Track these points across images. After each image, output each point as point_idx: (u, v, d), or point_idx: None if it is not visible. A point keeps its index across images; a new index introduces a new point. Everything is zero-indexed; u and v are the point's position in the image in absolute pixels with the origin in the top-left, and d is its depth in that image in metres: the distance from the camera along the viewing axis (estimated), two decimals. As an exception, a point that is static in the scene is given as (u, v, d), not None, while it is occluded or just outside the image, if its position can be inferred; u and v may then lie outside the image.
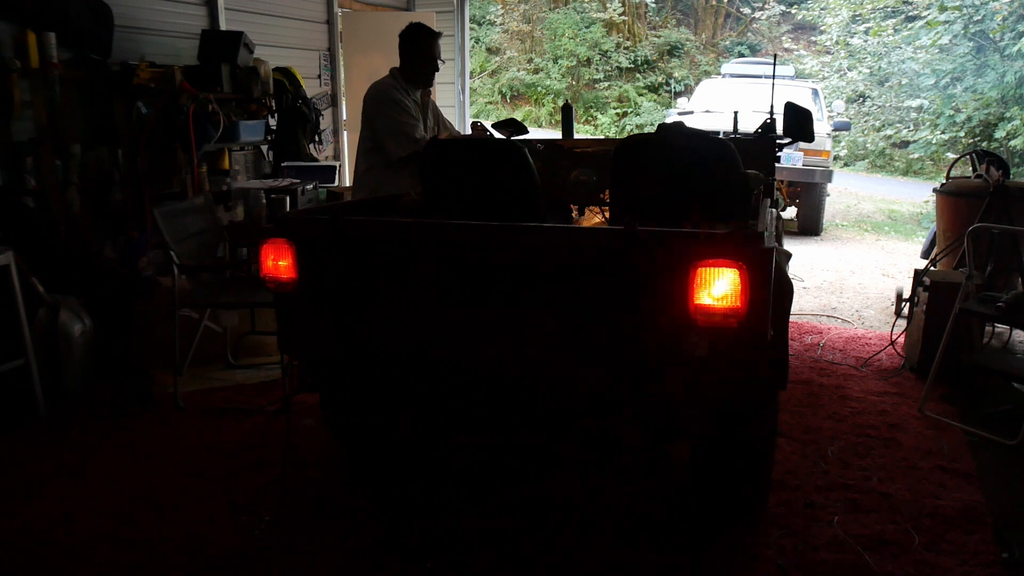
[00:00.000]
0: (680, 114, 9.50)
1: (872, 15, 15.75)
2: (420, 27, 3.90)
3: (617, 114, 19.74)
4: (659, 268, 2.18)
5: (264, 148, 6.03)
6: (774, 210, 3.45)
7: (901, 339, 4.77)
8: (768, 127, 3.87)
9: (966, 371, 4.08)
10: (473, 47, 19.82)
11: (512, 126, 3.80)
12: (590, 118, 19.89)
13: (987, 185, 4.88)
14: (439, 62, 3.92)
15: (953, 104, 12.11)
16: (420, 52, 3.84)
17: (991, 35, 11.61)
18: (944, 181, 5.58)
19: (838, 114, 11.63)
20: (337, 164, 7.06)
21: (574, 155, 3.97)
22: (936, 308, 4.23)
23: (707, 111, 9.43)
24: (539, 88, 20.33)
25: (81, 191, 4.50)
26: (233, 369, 4.37)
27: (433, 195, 3.11)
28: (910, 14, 14.53)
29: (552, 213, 3.77)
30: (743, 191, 2.81)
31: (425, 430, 3.24)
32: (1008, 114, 11.26)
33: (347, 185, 7.06)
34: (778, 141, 3.90)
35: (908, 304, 4.83)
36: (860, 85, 16.47)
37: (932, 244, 5.88)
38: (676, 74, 20.21)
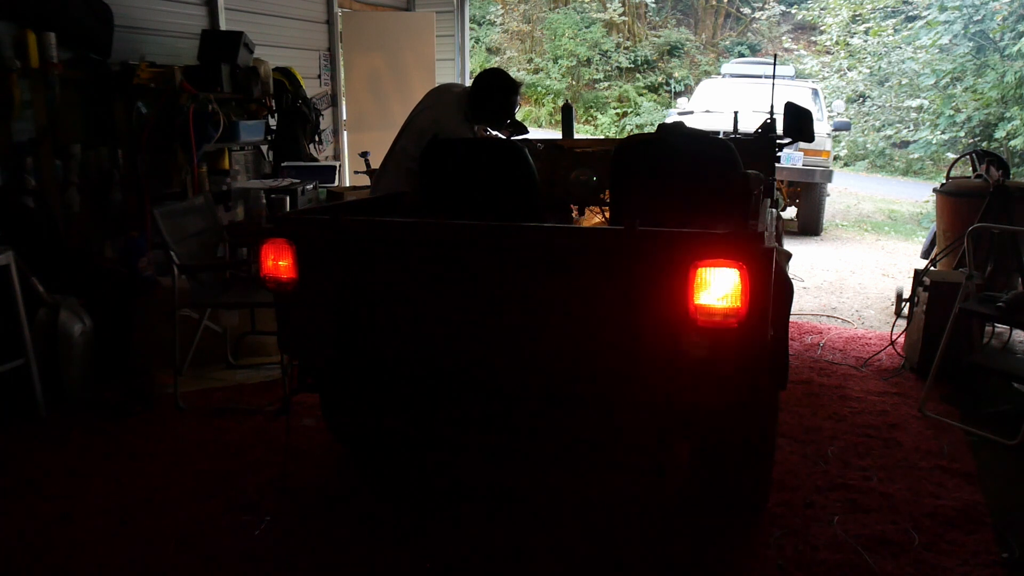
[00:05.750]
0: (680, 114, 9.50)
1: (872, 15, 15.77)
2: (503, 80, 3.59)
3: (617, 114, 19.75)
4: (659, 268, 2.18)
5: (264, 148, 6.03)
6: (774, 210, 3.45)
7: (901, 339, 4.77)
8: (768, 127, 3.87)
9: (966, 371, 4.07)
10: (473, 47, 19.82)
11: (512, 126, 3.80)
12: (590, 118, 19.90)
13: (987, 185, 4.89)
14: (516, 111, 3.70)
15: (953, 104, 12.11)
16: (499, 103, 3.60)
17: (991, 35, 11.61)
18: (944, 181, 5.59)
19: (838, 114, 11.63)
20: (337, 164, 7.06)
21: (574, 155, 3.97)
22: (936, 308, 4.23)
23: (707, 111, 9.43)
24: (539, 88, 20.33)
25: (81, 191, 4.50)
26: (233, 369, 4.37)
27: (433, 195, 3.11)
28: (910, 14, 14.55)
29: (552, 213, 3.76)
30: (743, 191, 2.81)
31: (425, 429, 3.24)
32: (1008, 114, 11.26)
33: (347, 185, 7.08)
34: (778, 141, 3.90)
35: (908, 304, 4.83)
36: (860, 85, 16.49)
37: (932, 244, 5.88)
38: (676, 74, 20.22)
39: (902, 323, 5.00)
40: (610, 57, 20.32)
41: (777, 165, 3.97)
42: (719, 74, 11.94)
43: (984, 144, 11.26)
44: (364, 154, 4.90)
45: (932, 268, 5.07)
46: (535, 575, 2.53)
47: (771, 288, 2.19)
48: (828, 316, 5.72)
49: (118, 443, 3.43)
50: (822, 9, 17.34)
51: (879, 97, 16.21)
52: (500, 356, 2.45)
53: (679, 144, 3.03)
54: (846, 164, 16.79)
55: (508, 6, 21.51)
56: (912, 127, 14.75)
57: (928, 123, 13.30)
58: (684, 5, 22.05)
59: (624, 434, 2.55)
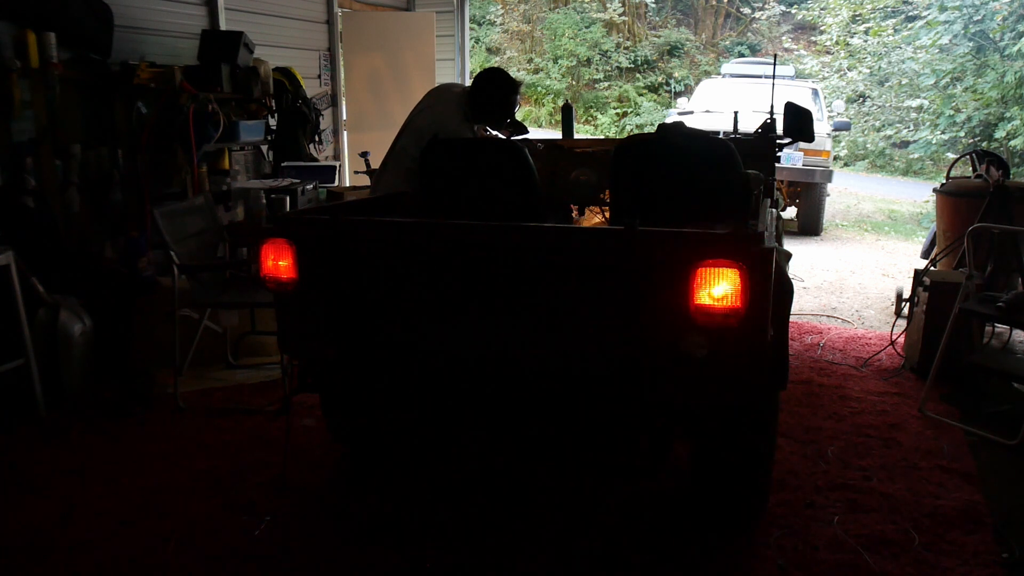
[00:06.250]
0: (680, 114, 9.50)
1: (872, 15, 15.78)
2: (503, 80, 3.60)
3: (617, 114, 19.75)
4: (659, 268, 2.18)
5: (264, 148, 6.03)
6: (774, 210, 3.45)
7: (901, 339, 4.77)
8: (768, 127, 3.86)
9: (966, 371, 4.07)
10: (473, 47, 19.82)
11: (512, 126, 3.80)
12: (590, 118, 19.90)
13: (987, 185, 4.89)
14: (516, 110, 3.71)
15: (953, 104, 12.11)
16: (499, 103, 3.60)
17: (991, 35, 11.62)
18: (944, 181, 5.59)
19: (838, 114, 11.63)
20: (337, 164, 7.05)
21: (574, 155, 3.97)
22: (936, 308, 4.23)
23: (707, 111, 9.43)
24: (539, 88, 20.33)
25: (81, 191, 4.50)
26: (233, 369, 4.37)
27: (433, 195, 3.11)
28: (910, 14, 14.56)
29: (552, 213, 3.76)
30: (743, 191, 2.81)
31: (425, 430, 3.24)
32: (1008, 114, 11.26)
33: (347, 185, 7.07)
34: (778, 141, 3.89)
35: (908, 304, 4.83)
36: (860, 85, 16.49)
37: (932, 244, 5.88)
38: (676, 74, 20.22)
39: (902, 323, 5.00)
40: (610, 57, 20.32)
41: (777, 165, 3.97)
42: (719, 74, 11.94)
43: (984, 144, 11.26)
44: (364, 154, 4.89)
45: (932, 268, 5.07)
46: (535, 575, 2.53)
47: (771, 288, 2.19)
48: (828, 316, 5.72)
49: (118, 443, 3.43)
50: (822, 9, 17.34)
51: (879, 97, 16.21)
52: (499, 356, 2.44)
53: (679, 144, 3.03)
54: (846, 164, 16.79)
55: (508, 6, 21.50)
56: (912, 127, 14.75)
57: (928, 123, 13.30)
58: (684, 5, 22.05)
59: (624, 434, 2.55)
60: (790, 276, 2.62)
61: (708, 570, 2.55)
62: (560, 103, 17.13)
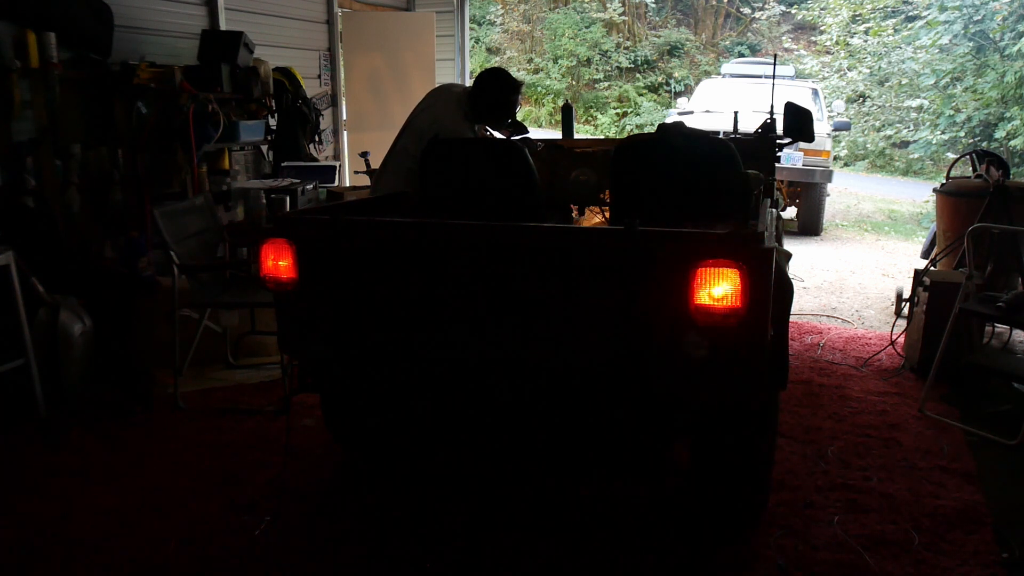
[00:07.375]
0: (680, 114, 9.50)
1: (872, 15, 15.78)
2: (504, 80, 3.59)
3: (617, 114, 19.75)
4: (659, 268, 2.18)
5: (264, 148, 6.03)
6: (774, 210, 3.45)
7: (901, 339, 4.77)
8: (768, 127, 3.87)
9: (966, 371, 4.07)
10: (473, 47, 19.82)
11: (512, 126, 3.80)
12: (590, 118, 19.90)
13: (987, 185, 4.89)
14: (516, 110, 3.71)
15: (953, 104, 12.11)
16: (500, 103, 3.60)
17: (991, 35, 11.62)
18: (944, 181, 5.59)
19: (838, 114, 11.64)
20: (337, 164, 7.05)
21: (574, 155, 3.97)
22: (936, 308, 4.23)
23: (707, 111, 9.43)
24: (539, 88, 20.33)
25: (81, 191, 4.50)
26: (233, 369, 4.37)
27: (433, 195, 3.11)
28: (910, 14, 14.56)
29: (552, 213, 3.76)
30: (743, 191, 2.81)
31: (424, 430, 3.24)
32: (1008, 114, 11.26)
33: (347, 185, 7.07)
34: (778, 141, 3.90)
35: (908, 304, 4.83)
36: (860, 85, 16.49)
37: (932, 244, 5.88)
38: (676, 74, 20.22)
39: (902, 323, 5.00)
40: (610, 57, 20.32)
41: (777, 165, 3.97)
42: (719, 74, 11.94)
43: (984, 144, 11.26)
44: (364, 154, 4.89)
45: (932, 268, 5.07)
46: (535, 574, 2.53)
47: (771, 288, 2.19)
48: (828, 316, 5.72)
49: (118, 443, 3.43)
50: (822, 9, 17.35)
51: (879, 97, 16.21)
52: (500, 356, 2.44)
53: (679, 144, 3.03)
54: (846, 164, 16.79)
55: (508, 6, 21.51)
56: (912, 127, 14.76)
57: (928, 123, 13.31)
58: (684, 5, 22.05)
59: (624, 434, 2.55)
60: (790, 276, 2.62)
61: (708, 570, 2.55)
62: (560, 103, 17.13)
